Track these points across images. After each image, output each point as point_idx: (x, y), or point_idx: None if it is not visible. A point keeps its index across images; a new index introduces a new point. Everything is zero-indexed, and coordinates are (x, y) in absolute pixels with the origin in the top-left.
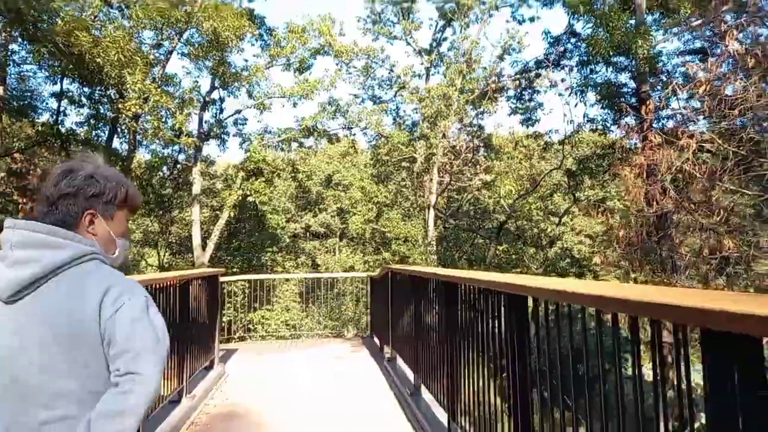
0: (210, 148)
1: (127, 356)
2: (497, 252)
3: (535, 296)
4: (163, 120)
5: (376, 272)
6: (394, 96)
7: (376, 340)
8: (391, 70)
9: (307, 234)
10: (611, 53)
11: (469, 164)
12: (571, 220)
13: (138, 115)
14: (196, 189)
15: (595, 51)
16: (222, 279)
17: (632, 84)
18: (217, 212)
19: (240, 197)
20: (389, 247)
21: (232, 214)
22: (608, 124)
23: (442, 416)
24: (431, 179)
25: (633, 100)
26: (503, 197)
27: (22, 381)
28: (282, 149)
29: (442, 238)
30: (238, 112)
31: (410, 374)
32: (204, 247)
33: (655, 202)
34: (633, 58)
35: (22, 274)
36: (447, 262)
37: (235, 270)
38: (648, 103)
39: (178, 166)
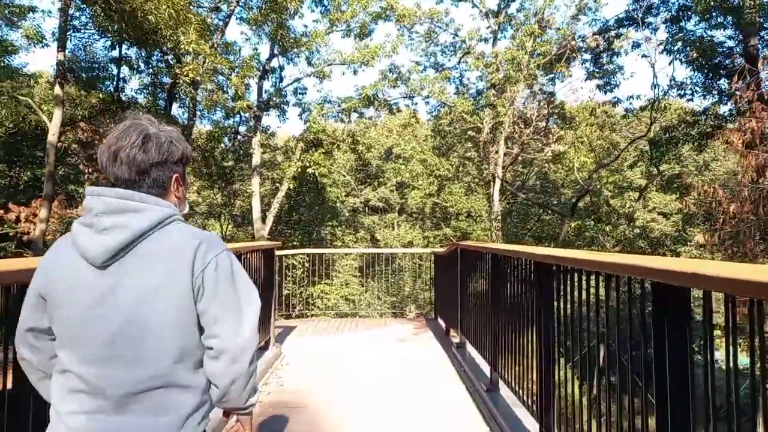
0: (270, 119)
1: (218, 316)
2: (569, 229)
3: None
4: (220, 86)
5: (440, 248)
6: (458, 63)
7: (442, 322)
8: (456, 35)
9: (366, 208)
10: (711, 2)
11: (540, 134)
12: (645, 197)
13: (196, 82)
14: (256, 160)
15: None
16: (281, 252)
17: (729, 43)
18: (278, 185)
19: (299, 169)
20: (450, 223)
21: (291, 186)
22: (698, 90)
23: (530, 423)
24: (497, 150)
25: (731, 62)
26: (577, 170)
27: (119, 342)
28: (342, 120)
29: (507, 213)
30: (298, 80)
31: (485, 367)
32: (264, 219)
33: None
34: (740, 6)
35: (113, 239)
36: (512, 239)
37: (295, 243)
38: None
39: (239, 137)
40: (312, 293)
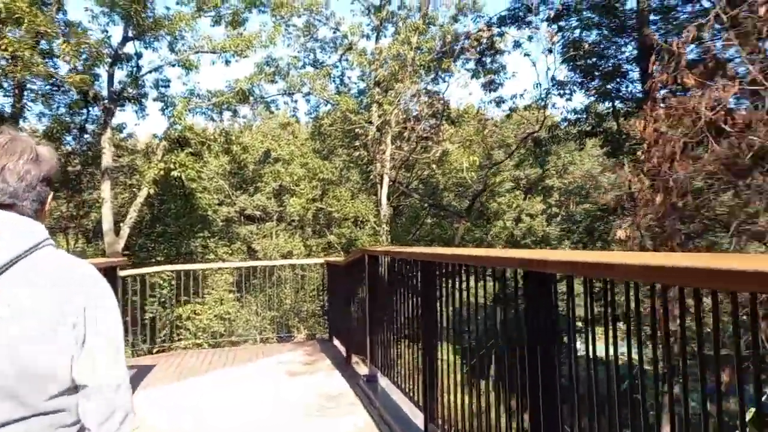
0: (126, 117)
1: (94, 350)
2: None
3: None
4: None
5: (326, 257)
6: (340, 60)
7: (339, 345)
8: (336, 30)
9: (242, 218)
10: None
11: (429, 134)
12: (528, 197)
13: (16, 57)
14: (107, 161)
15: None
16: (135, 271)
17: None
18: (136, 191)
19: (162, 172)
20: (333, 230)
21: (152, 192)
22: (576, 89)
23: None
24: (384, 151)
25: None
26: (466, 169)
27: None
28: (213, 118)
29: (395, 216)
30: (158, 69)
31: (413, 413)
32: (118, 231)
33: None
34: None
35: None
36: (401, 245)
37: (159, 258)
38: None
39: (86, 136)
40: (180, 314)
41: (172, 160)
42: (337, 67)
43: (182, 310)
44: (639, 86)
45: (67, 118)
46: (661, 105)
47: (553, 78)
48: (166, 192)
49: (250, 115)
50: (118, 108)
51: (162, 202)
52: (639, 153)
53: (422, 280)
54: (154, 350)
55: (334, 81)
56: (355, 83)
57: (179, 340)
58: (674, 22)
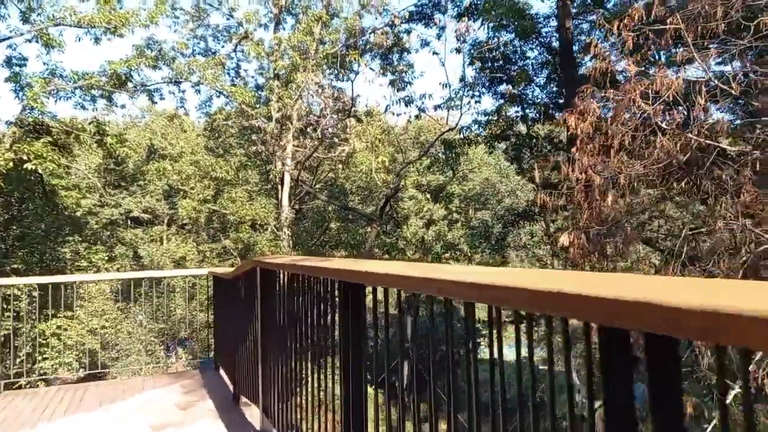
0: None
1: None
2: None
3: None
4: None
5: (219, 266)
6: (234, 50)
7: (225, 377)
8: (230, 16)
9: (128, 221)
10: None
11: (335, 130)
12: (442, 200)
13: None
14: None
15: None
16: None
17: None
18: None
19: (11, 163)
20: (229, 234)
21: None
22: (484, 91)
23: None
24: (285, 147)
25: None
26: (376, 170)
27: None
28: (84, 107)
29: (298, 220)
30: (6, 41)
31: None
32: None
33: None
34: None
35: None
36: (305, 250)
37: (16, 266)
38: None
39: None
40: (44, 330)
41: (25, 150)
42: (231, 58)
43: (46, 325)
44: (548, 90)
45: None
46: (595, 98)
47: (462, 78)
48: (19, 188)
49: (130, 105)
50: None
51: (20, 201)
52: (573, 149)
53: (347, 307)
54: (5, 380)
55: (228, 73)
56: (252, 77)
57: (44, 359)
58: (603, 13)
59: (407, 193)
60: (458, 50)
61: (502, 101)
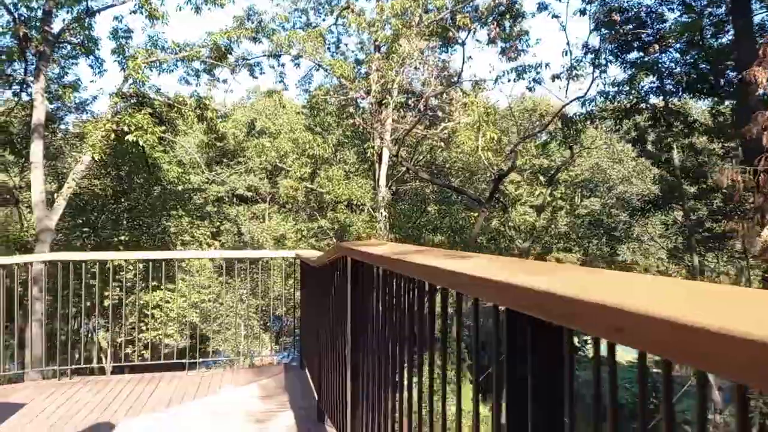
0: (81, 71)
1: None
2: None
3: None
4: None
5: (308, 248)
6: (335, 23)
7: (311, 379)
8: None
9: (234, 198)
10: None
11: (437, 103)
12: (555, 183)
13: None
14: (38, 117)
15: None
16: (101, 256)
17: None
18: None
19: (112, 134)
20: (326, 213)
21: (96, 157)
22: (612, 60)
23: None
24: (383, 124)
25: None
26: (482, 148)
27: None
28: (188, 81)
29: (395, 201)
30: (107, 9)
31: None
32: (51, 203)
33: None
34: None
35: None
36: (403, 235)
37: (123, 238)
38: None
39: (14, 88)
40: (147, 302)
41: (126, 122)
42: (331, 32)
43: (149, 297)
44: (689, 57)
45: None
46: None
47: (585, 44)
48: (126, 161)
49: (236, 86)
50: (71, 61)
51: (128, 174)
52: None
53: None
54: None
55: (328, 48)
56: (353, 52)
57: (147, 330)
58: None
59: (513, 176)
60: (583, 12)
61: (633, 70)
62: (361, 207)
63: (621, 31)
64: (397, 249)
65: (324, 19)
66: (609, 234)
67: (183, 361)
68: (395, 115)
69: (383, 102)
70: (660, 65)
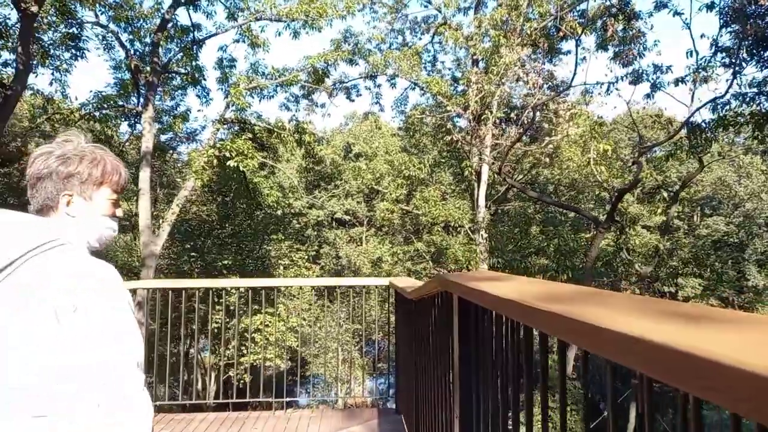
0: (191, 102)
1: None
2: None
3: None
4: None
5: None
6: (431, 41)
7: (406, 428)
8: (428, 3)
9: (333, 221)
10: None
11: (541, 117)
12: (679, 201)
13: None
14: (146, 144)
15: None
16: (199, 284)
17: None
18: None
19: (215, 160)
20: (422, 236)
21: (199, 183)
22: (746, 58)
23: None
24: (483, 141)
25: None
26: (594, 162)
27: None
28: (287, 107)
29: (495, 222)
30: (210, 38)
31: None
32: (155, 230)
33: None
34: None
35: None
36: (506, 263)
37: (226, 263)
38: None
39: (129, 120)
40: (247, 326)
41: (227, 147)
42: (428, 51)
43: (249, 321)
44: None
45: (118, 101)
46: None
47: (714, 42)
48: (229, 186)
49: (334, 111)
50: (180, 92)
51: (233, 200)
52: None
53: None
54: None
55: (424, 67)
56: (449, 69)
57: (248, 353)
58: None
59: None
60: (710, 6)
61: None
62: (458, 229)
63: (759, 24)
64: (527, 288)
65: (420, 38)
66: (736, 257)
67: (280, 399)
68: (495, 131)
69: (482, 117)
70: None
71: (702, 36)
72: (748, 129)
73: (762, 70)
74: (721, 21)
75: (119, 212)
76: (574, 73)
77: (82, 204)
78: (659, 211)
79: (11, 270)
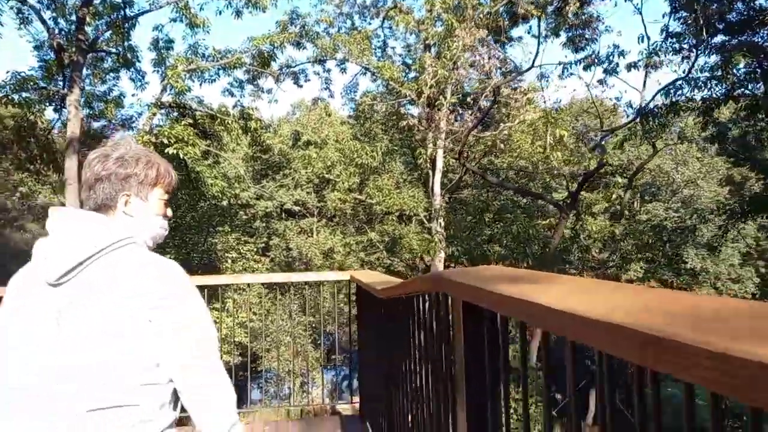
0: (125, 86)
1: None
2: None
3: None
4: None
5: (360, 267)
6: (381, 25)
7: None
8: None
9: (281, 213)
10: None
11: (497, 104)
12: (633, 187)
13: None
14: (72, 129)
15: None
16: None
17: None
18: None
19: (152, 146)
20: (374, 226)
21: None
22: (692, 44)
23: None
24: (437, 128)
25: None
26: (552, 147)
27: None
28: (230, 93)
29: (451, 211)
30: (144, 14)
31: None
32: None
33: None
34: None
35: (65, 258)
36: (463, 249)
37: (168, 257)
38: None
39: (54, 103)
40: None
41: (165, 133)
42: (377, 36)
43: None
44: None
45: (40, 83)
46: None
47: (665, 28)
48: None
49: (281, 99)
50: (112, 75)
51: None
52: None
53: None
54: None
55: (375, 54)
56: (400, 55)
57: None
58: None
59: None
60: None
61: (720, 56)
62: (411, 218)
63: (706, 12)
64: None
65: (369, 23)
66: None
67: None
68: (450, 116)
69: (436, 104)
70: (763, 46)
71: (654, 21)
72: (693, 115)
73: (710, 56)
74: (670, 6)
75: (169, 212)
76: (537, 53)
77: (138, 204)
78: (613, 197)
79: (83, 268)
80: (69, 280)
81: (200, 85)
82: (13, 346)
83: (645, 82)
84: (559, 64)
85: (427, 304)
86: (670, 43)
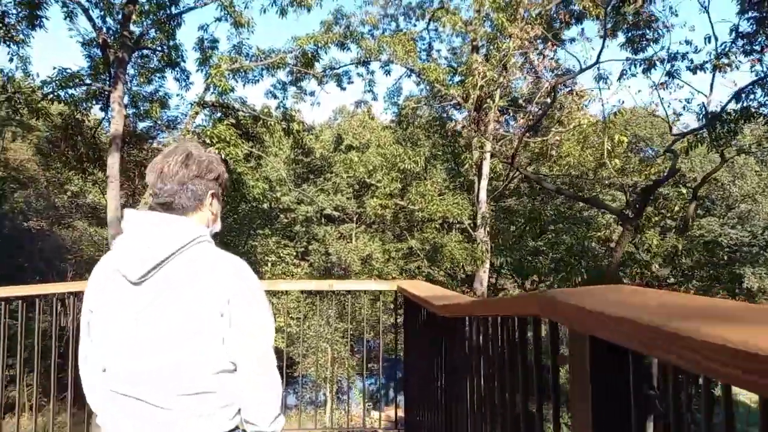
0: (171, 87)
1: (249, 341)
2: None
3: None
4: None
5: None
6: (426, 27)
7: None
8: None
9: (321, 218)
10: None
11: (551, 107)
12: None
13: None
14: (116, 126)
15: None
16: None
17: None
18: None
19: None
20: (414, 233)
21: None
22: (762, 43)
23: None
24: (485, 132)
25: None
26: (609, 154)
27: (156, 359)
28: (273, 95)
29: (497, 219)
30: (188, 11)
31: None
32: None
33: None
34: None
35: (148, 256)
36: (514, 257)
37: None
38: None
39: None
40: None
41: (207, 133)
42: (422, 38)
43: None
44: None
45: (86, 80)
46: None
47: (734, 28)
48: None
49: (319, 91)
50: (157, 76)
51: None
52: None
53: None
54: None
55: (419, 57)
56: (446, 58)
57: None
58: None
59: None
60: None
61: None
62: (451, 226)
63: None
64: None
65: (414, 25)
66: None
67: None
68: (499, 119)
69: (484, 107)
70: None
71: (723, 20)
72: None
73: None
74: (738, 5)
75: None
76: (601, 49)
77: (217, 202)
78: (676, 208)
79: (165, 264)
80: (151, 277)
81: (243, 85)
82: (98, 342)
83: (712, 84)
84: (627, 59)
85: (515, 332)
86: (742, 44)
